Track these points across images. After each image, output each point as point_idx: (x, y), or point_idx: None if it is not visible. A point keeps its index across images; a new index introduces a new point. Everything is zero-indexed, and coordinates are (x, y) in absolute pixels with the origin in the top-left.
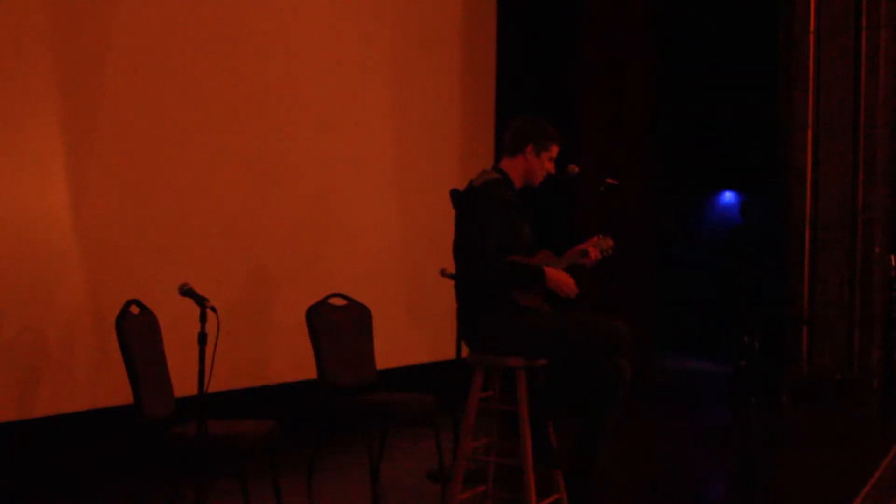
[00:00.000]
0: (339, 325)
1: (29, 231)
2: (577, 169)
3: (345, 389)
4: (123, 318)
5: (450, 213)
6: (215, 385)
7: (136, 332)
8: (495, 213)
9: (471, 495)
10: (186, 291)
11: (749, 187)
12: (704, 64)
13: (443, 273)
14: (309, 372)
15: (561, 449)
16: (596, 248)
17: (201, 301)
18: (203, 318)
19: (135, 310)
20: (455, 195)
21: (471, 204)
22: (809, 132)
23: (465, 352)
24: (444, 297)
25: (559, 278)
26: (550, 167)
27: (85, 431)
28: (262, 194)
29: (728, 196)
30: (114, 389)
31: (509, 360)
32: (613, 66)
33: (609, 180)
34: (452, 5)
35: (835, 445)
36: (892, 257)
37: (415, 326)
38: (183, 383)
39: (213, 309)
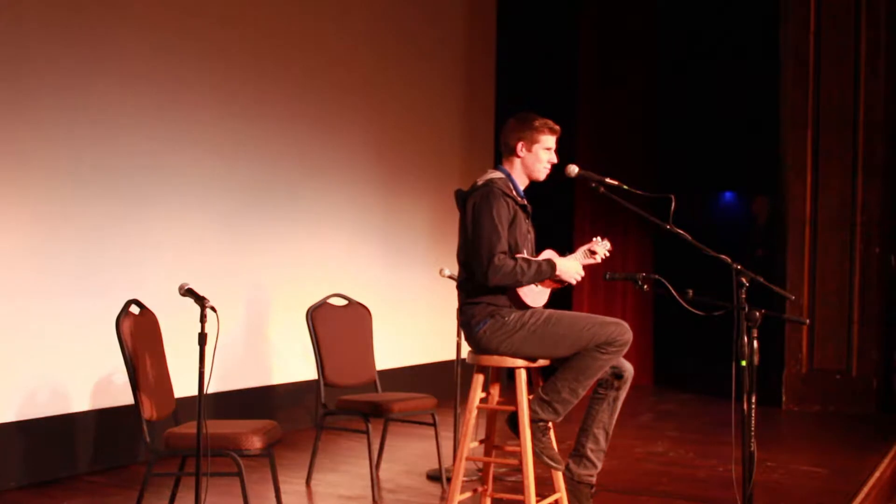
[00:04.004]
0: (339, 325)
1: (29, 231)
2: (577, 169)
3: (345, 389)
4: (123, 318)
5: (451, 213)
6: (215, 385)
7: (136, 332)
8: (500, 213)
9: (471, 495)
10: (186, 291)
11: (749, 187)
12: (705, 63)
13: (442, 273)
14: (309, 372)
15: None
16: (600, 248)
17: (201, 301)
18: (203, 318)
19: (135, 310)
20: (459, 196)
21: (475, 201)
22: (809, 131)
23: (465, 352)
24: (444, 297)
25: (569, 266)
26: (551, 158)
27: (85, 431)
28: (262, 194)
29: (728, 196)
30: (114, 389)
31: (509, 361)
32: (614, 65)
33: (609, 180)
34: (454, 7)
35: (835, 445)
36: (893, 257)
37: (415, 326)
38: (183, 383)
39: (213, 309)
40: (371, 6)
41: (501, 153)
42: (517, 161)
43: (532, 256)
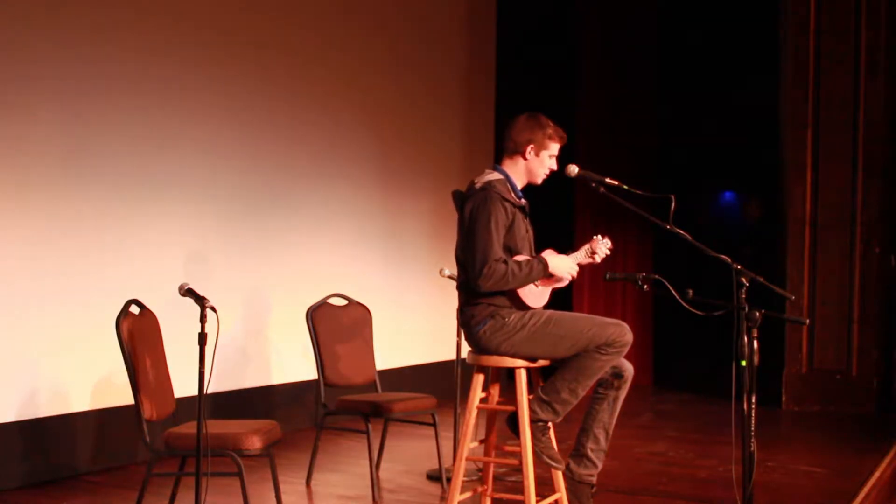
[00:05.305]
0: (339, 325)
1: (29, 231)
2: (577, 169)
3: (345, 389)
4: (123, 318)
5: (451, 213)
6: (215, 385)
7: (136, 333)
8: (498, 219)
9: (471, 495)
10: (186, 291)
11: (749, 187)
12: (705, 63)
13: (442, 273)
14: (309, 372)
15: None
16: (601, 247)
17: (201, 301)
18: (203, 318)
19: (135, 310)
20: (457, 196)
21: (473, 205)
22: (809, 131)
23: (465, 352)
24: (444, 297)
25: (560, 264)
26: (552, 165)
27: (85, 431)
28: (263, 194)
29: (728, 196)
30: (114, 389)
31: (509, 361)
32: (614, 65)
33: (609, 180)
34: (454, 7)
35: (835, 445)
36: (893, 257)
37: (415, 326)
38: (183, 383)
39: (213, 309)
40: (370, 8)
41: (504, 148)
42: (521, 162)
43: (531, 256)
